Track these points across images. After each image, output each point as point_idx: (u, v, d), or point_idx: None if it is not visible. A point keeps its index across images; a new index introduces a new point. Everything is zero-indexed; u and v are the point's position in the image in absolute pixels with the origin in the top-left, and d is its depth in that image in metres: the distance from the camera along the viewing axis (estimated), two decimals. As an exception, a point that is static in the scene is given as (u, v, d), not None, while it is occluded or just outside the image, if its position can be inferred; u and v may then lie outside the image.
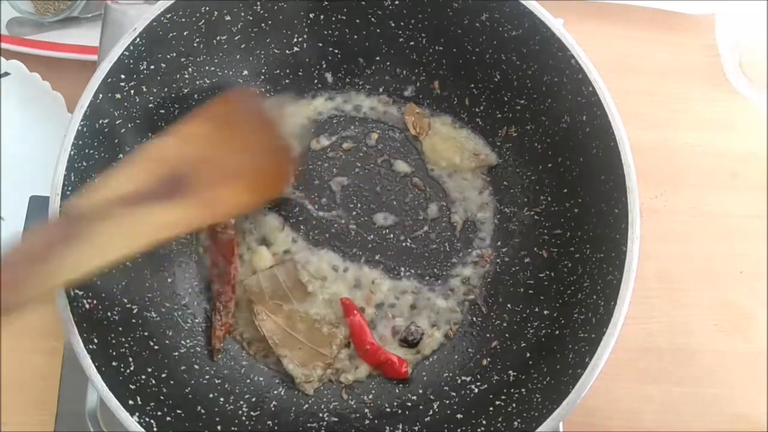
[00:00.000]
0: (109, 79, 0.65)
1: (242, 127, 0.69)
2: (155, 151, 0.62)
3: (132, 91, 0.69)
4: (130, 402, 0.60)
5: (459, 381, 0.73)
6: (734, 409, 0.85)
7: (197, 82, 0.76)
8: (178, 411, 0.64)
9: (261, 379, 0.74)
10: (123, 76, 0.67)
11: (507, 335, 0.74)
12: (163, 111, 0.74)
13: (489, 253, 0.79)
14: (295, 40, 0.79)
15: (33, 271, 0.50)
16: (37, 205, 0.65)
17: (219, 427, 0.66)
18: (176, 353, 0.71)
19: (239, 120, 0.69)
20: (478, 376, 0.73)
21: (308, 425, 0.71)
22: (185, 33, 0.70)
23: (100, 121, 0.66)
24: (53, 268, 0.51)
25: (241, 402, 0.71)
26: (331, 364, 0.74)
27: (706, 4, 0.95)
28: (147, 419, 0.60)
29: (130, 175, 0.59)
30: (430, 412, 0.71)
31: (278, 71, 0.81)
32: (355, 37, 0.79)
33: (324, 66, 0.82)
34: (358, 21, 0.77)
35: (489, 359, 0.73)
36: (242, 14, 0.73)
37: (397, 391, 0.74)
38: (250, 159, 0.68)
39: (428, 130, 0.80)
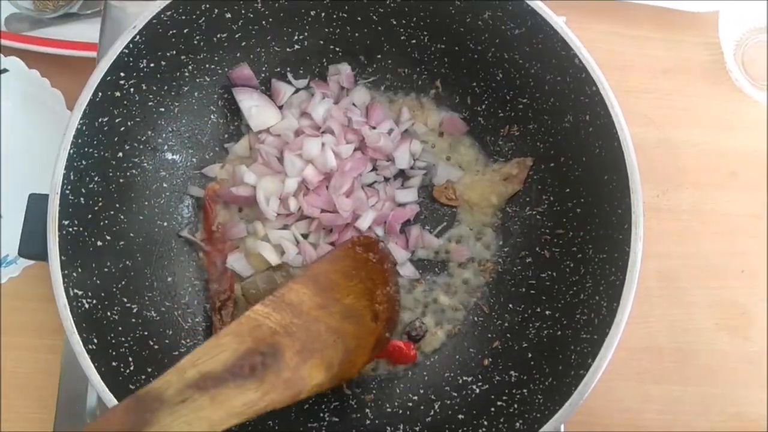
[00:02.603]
0: (109, 77, 0.65)
1: (353, 284, 0.62)
2: (249, 321, 0.55)
3: (132, 89, 0.69)
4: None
5: (460, 381, 0.73)
6: (735, 408, 0.85)
7: (197, 80, 0.76)
8: (179, 411, 0.64)
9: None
10: (123, 74, 0.67)
11: (509, 335, 0.74)
12: (163, 109, 0.74)
13: (491, 266, 0.79)
14: (296, 37, 0.78)
15: None
16: (37, 203, 0.64)
17: (219, 427, 0.66)
18: (176, 353, 0.71)
19: (339, 286, 0.61)
20: (480, 377, 0.72)
21: (309, 425, 0.71)
22: (185, 31, 0.70)
23: (100, 120, 0.66)
24: None
25: (242, 402, 0.71)
26: None
27: (708, 3, 0.94)
28: (147, 420, 0.59)
29: (216, 349, 0.53)
30: (432, 413, 0.71)
31: (279, 69, 0.80)
32: (357, 34, 0.79)
33: (325, 64, 0.81)
34: (359, 19, 0.77)
35: (491, 359, 0.73)
36: (243, 12, 0.73)
37: (398, 391, 0.74)
38: (344, 331, 0.60)
39: (457, 196, 0.79)
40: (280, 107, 0.81)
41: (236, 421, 0.51)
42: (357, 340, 0.61)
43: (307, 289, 0.58)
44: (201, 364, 0.52)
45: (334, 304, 0.59)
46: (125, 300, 0.69)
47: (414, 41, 0.79)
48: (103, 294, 0.65)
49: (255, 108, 0.79)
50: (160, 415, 0.48)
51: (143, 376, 0.64)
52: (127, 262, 0.71)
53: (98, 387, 0.59)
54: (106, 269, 0.67)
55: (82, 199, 0.65)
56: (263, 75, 0.80)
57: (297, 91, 0.82)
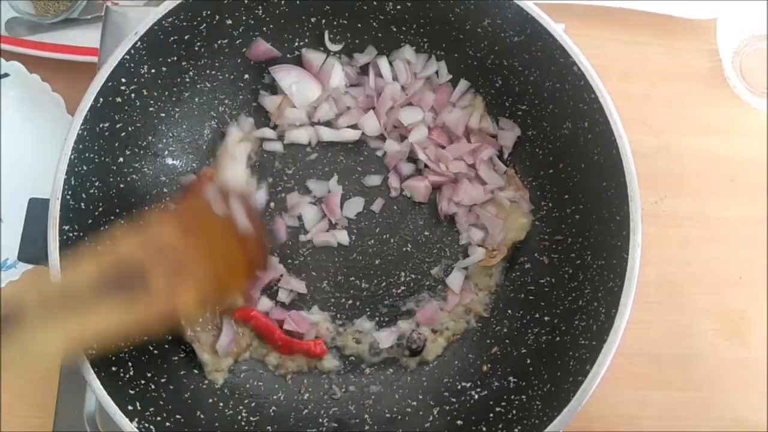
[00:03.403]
0: (110, 83, 0.65)
1: (209, 218, 0.64)
2: (115, 240, 0.58)
3: (133, 95, 0.69)
4: (129, 407, 0.60)
5: (459, 387, 0.73)
6: (734, 414, 0.85)
7: (198, 86, 0.76)
8: (177, 416, 0.64)
9: (260, 383, 0.74)
10: (124, 80, 0.67)
11: (507, 341, 0.74)
12: (163, 115, 0.74)
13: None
14: (297, 44, 0.79)
15: None
16: (37, 208, 0.65)
17: (218, 433, 0.66)
18: (175, 358, 0.71)
19: (205, 212, 0.64)
20: (479, 382, 0.72)
21: (308, 430, 0.71)
22: (186, 37, 0.70)
23: (101, 125, 0.66)
24: None
25: (241, 407, 0.71)
26: (239, 354, 0.74)
27: (706, 10, 0.94)
28: (146, 424, 0.60)
29: (84, 262, 0.56)
30: (430, 418, 0.71)
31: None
32: (357, 41, 0.79)
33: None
34: (359, 25, 0.77)
35: (489, 365, 0.73)
36: (243, 18, 0.73)
37: (396, 396, 0.74)
38: (217, 249, 0.63)
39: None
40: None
41: (109, 331, 0.54)
42: (226, 265, 0.64)
43: (173, 218, 0.63)
44: (66, 285, 0.56)
45: (204, 235, 0.62)
46: (125, 305, 0.69)
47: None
48: (102, 299, 0.65)
49: (295, 85, 0.78)
50: (26, 318, 0.51)
51: (143, 381, 0.64)
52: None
53: (97, 392, 0.59)
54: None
55: (82, 204, 0.65)
56: (264, 80, 0.80)
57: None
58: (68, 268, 0.58)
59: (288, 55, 0.79)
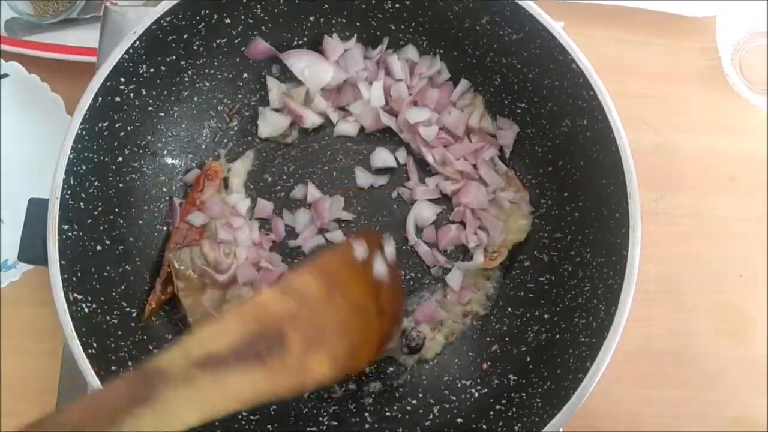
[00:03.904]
0: (109, 83, 0.65)
1: (354, 285, 0.61)
2: (255, 305, 0.55)
3: (131, 94, 0.69)
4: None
5: (459, 385, 0.73)
6: (734, 412, 0.85)
7: (197, 85, 0.76)
8: (178, 415, 0.64)
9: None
10: (122, 80, 0.67)
11: (507, 339, 0.74)
12: (162, 114, 0.74)
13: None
14: (295, 42, 0.79)
15: (99, 425, 0.45)
16: (36, 208, 0.65)
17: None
18: (176, 357, 0.71)
19: (352, 277, 0.61)
20: (479, 380, 0.72)
21: (308, 429, 0.71)
22: (185, 36, 0.70)
23: (100, 124, 0.66)
24: (120, 425, 0.45)
25: (241, 406, 0.71)
26: None
27: (705, 7, 0.94)
28: (146, 424, 0.59)
29: (221, 330, 0.52)
30: (431, 416, 0.71)
31: (278, 74, 0.81)
32: (355, 39, 0.79)
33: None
34: (358, 24, 0.77)
35: (489, 363, 0.73)
36: (242, 17, 0.73)
37: (397, 395, 0.74)
38: (353, 323, 0.59)
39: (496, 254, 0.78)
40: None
41: (238, 406, 0.51)
42: (362, 334, 0.61)
43: (314, 279, 0.58)
44: (206, 344, 0.51)
45: (340, 298, 0.59)
46: (125, 304, 0.69)
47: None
48: (102, 298, 0.66)
49: (307, 69, 0.78)
50: (163, 392, 0.47)
51: (142, 381, 0.64)
52: (127, 267, 0.71)
53: (97, 391, 0.59)
54: (105, 273, 0.68)
55: (81, 203, 0.65)
56: (263, 79, 0.80)
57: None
58: (212, 330, 0.52)
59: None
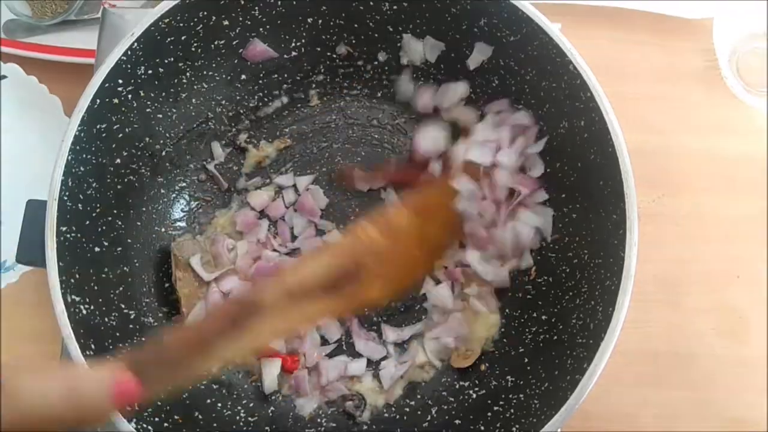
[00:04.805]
0: (107, 84, 0.65)
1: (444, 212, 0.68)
2: (353, 241, 0.61)
3: (129, 96, 0.69)
4: (128, 408, 0.60)
5: (457, 386, 0.73)
6: (733, 413, 0.85)
7: (195, 87, 0.76)
8: (176, 417, 0.64)
9: (258, 384, 0.74)
10: (121, 81, 0.67)
11: (505, 340, 0.74)
12: (160, 116, 0.74)
13: None
14: (293, 44, 0.79)
15: (196, 352, 0.50)
16: (34, 209, 0.65)
17: (217, 433, 0.66)
18: (174, 358, 0.71)
19: (443, 206, 0.67)
20: (476, 382, 0.73)
21: (306, 431, 0.71)
22: (183, 38, 0.70)
23: (98, 126, 0.66)
24: (212, 351, 0.51)
25: (239, 407, 0.71)
26: None
27: (703, 9, 0.95)
28: (144, 425, 0.60)
29: (317, 265, 0.58)
30: (428, 418, 0.71)
31: (276, 76, 0.81)
32: (354, 41, 0.79)
33: (322, 70, 0.82)
34: (356, 25, 0.77)
35: (487, 364, 0.73)
36: (240, 19, 0.73)
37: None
38: (426, 250, 0.66)
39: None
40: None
41: (305, 326, 0.61)
42: (420, 264, 0.67)
43: (410, 217, 0.63)
44: (301, 277, 0.56)
45: (424, 230, 0.64)
46: (123, 306, 0.69)
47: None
48: (100, 300, 0.66)
49: None
50: (255, 321, 0.52)
51: (140, 382, 0.64)
52: (125, 268, 0.71)
53: (95, 393, 0.59)
54: (103, 275, 0.68)
55: (80, 205, 0.65)
56: (261, 81, 0.80)
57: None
58: (309, 265, 0.59)
59: (285, 56, 0.79)
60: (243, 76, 0.79)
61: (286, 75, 0.81)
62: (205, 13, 0.70)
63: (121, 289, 0.69)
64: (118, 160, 0.70)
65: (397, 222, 0.62)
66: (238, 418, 0.70)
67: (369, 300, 0.61)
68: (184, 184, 0.79)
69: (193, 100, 0.77)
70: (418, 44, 0.78)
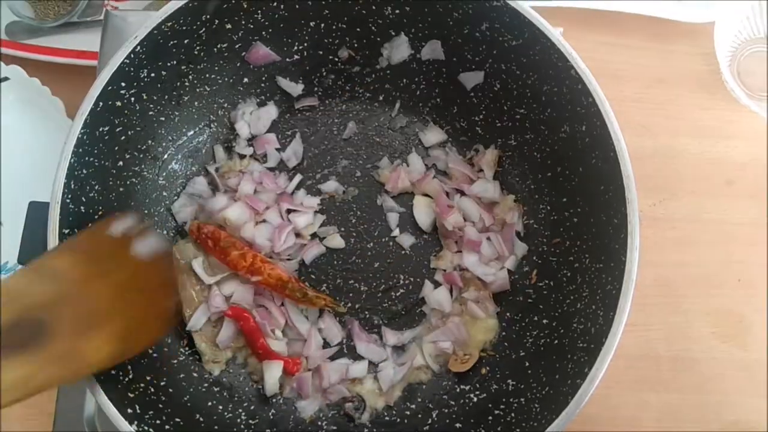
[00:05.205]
0: (110, 87, 0.65)
1: (117, 262, 0.58)
2: (10, 288, 0.50)
3: (132, 99, 0.69)
4: (129, 410, 0.60)
5: (458, 390, 0.73)
6: (733, 416, 0.85)
7: (198, 90, 0.76)
8: (177, 419, 0.64)
9: (260, 387, 0.74)
10: (123, 84, 0.67)
11: (506, 344, 0.74)
12: (163, 118, 0.74)
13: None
14: (296, 47, 0.79)
15: None
16: (37, 211, 0.65)
17: (217, 435, 0.66)
18: (175, 361, 0.71)
19: (113, 255, 0.58)
20: (477, 385, 0.73)
21: (307, 434, 0.71)
22: (186, 41, 0.70)
23: (101, 129, 0.66)
24: None
25: (240, 410, 0.71)
26: (238, 350, 0.74)
27: (704, 13, 0.95)
28: (145, 427, 0.60)
29: None
30: (429, 421, 0.71)
31: (278, 79, 0.81)
32: (356, 45, 0.79)
33: (324, 73, 0.82)
34: (358, 29, 0.78)
35: (488, 368, 0.74)
36: (243, 23, 0.73)
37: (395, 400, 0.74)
38: (124, 302, 0.56)
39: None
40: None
41: (13, 396, 0.47)
42: (144, 311, 0.59)
43: (70, 258, 0.55)
44: None
45: (110, 275, 0.56)
46: (124, 308, 0.69)
47: (412, 51, 0.79)
48: (102, 302, 0.66)
49: None
50: None
51: (142, 384, 0.64)
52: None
53: (97, 396, 0.58)
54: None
55: (82, 207, 0.65)
56: (263, 84, 0.81)
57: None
58: None
59: (287, 59, 0.79)
60: (245, 80, 0.79)
61: (288, 78, 0.81)
62: (208, 16, 0.70)
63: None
64: (121, 163, 0.71)
65: (56, 265, 0.52)
66: (239, 420, 0.70)
67: (86, 359, 0.52)
68: (186, 187, 0.79)
69: (196, 103, 0.77)
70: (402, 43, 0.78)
